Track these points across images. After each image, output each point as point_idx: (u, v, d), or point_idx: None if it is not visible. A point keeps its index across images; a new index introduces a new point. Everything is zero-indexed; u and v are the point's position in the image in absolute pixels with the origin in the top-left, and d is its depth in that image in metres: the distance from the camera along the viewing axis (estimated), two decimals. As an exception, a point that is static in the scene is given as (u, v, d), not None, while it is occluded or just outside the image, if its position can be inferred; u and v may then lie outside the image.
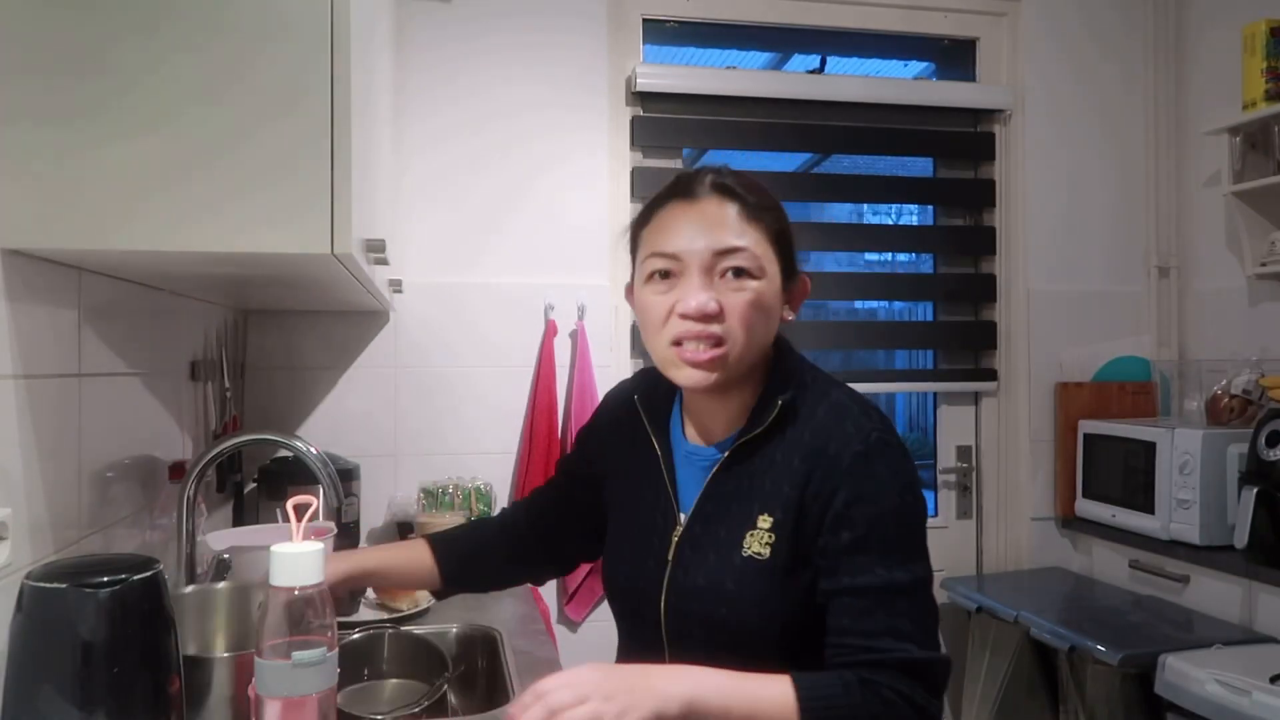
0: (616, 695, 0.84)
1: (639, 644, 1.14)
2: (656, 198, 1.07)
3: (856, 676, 0.91)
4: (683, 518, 1.09)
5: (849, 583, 0.95)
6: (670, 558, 1.08)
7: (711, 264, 0.99)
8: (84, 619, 0.84)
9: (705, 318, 0.99)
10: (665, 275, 1.02)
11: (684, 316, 0.99)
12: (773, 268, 1.02)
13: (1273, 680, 1.74)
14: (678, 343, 1.01)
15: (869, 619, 0.94)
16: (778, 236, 1.04)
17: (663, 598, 1.07)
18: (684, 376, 1.03)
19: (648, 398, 1.16)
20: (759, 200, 1.03)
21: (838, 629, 0.96)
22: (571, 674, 0.86)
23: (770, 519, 1.01)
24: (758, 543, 1.01)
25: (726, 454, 1.06)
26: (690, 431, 1.14)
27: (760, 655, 0.98)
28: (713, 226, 1.00)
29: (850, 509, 0.97)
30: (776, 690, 0.90)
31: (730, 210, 1.01)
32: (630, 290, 1.11)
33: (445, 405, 2.39)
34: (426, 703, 1.26)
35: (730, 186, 1.03)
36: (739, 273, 1.00)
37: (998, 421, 2.82)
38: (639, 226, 1.07)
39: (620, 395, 1.25)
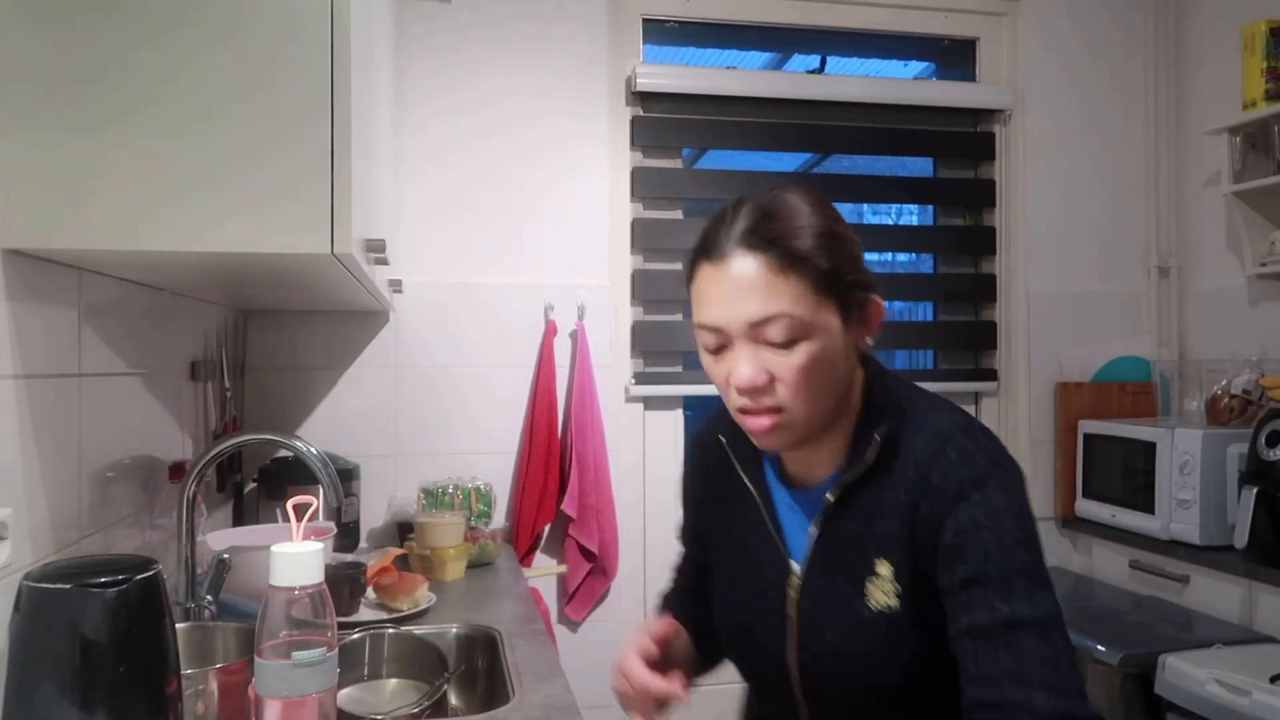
0: None
1: (773, 700, 1.06)
2: (693, 254, 0.96)
3: None
4: (795, 567, 1.00)
5: (967, 622, 0.86)
6: (792, 615, 0.99)
7: (753, 334, 0.90)
8: (83, 619, 0.84)
9: (755, 390, 0.92)
10: (716, 348, 0.94)
11: (738, 390, 0.93)
12: (824, 316, 0.91)
13: (1273, 680, 1.74)
14: (742, 411, 0.95)
15: (991, 661, 0.83)
16: (826, 277, 0.90)
17: (793, 658, 1.00)
18: (756, 443, 0.98)
19: (735, 437, 1.06)
20: (794, 245, 0.90)
21: (964, 677, 0.86)
22: None
23: (890, 565, 0.93)
24: (882, 593, 0.93)
25: (832, 498, 0.97)
26: (788, 470, 1.05)
27: (906, 708, 0.93)
28: (742, 294, 0.90)
29: (961, 538, 0.88)
30: None
31: (759, 269, 0.89)
32: None
33: (445, 405, 2.39)
34: (426, 703, 1.26)
35: (758, 236, 0.90)
36: (786, 342, 0.90)
37: (998, 421, 2.82)
38: (686, 281, 0.99)
39: (704, 437, 1.16)
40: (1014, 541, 0.87)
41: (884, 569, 0.93)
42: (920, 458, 0.93)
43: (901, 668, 0.92)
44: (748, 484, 1.06)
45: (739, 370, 0.91)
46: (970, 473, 0.90)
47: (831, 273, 0.91)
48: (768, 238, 0.90)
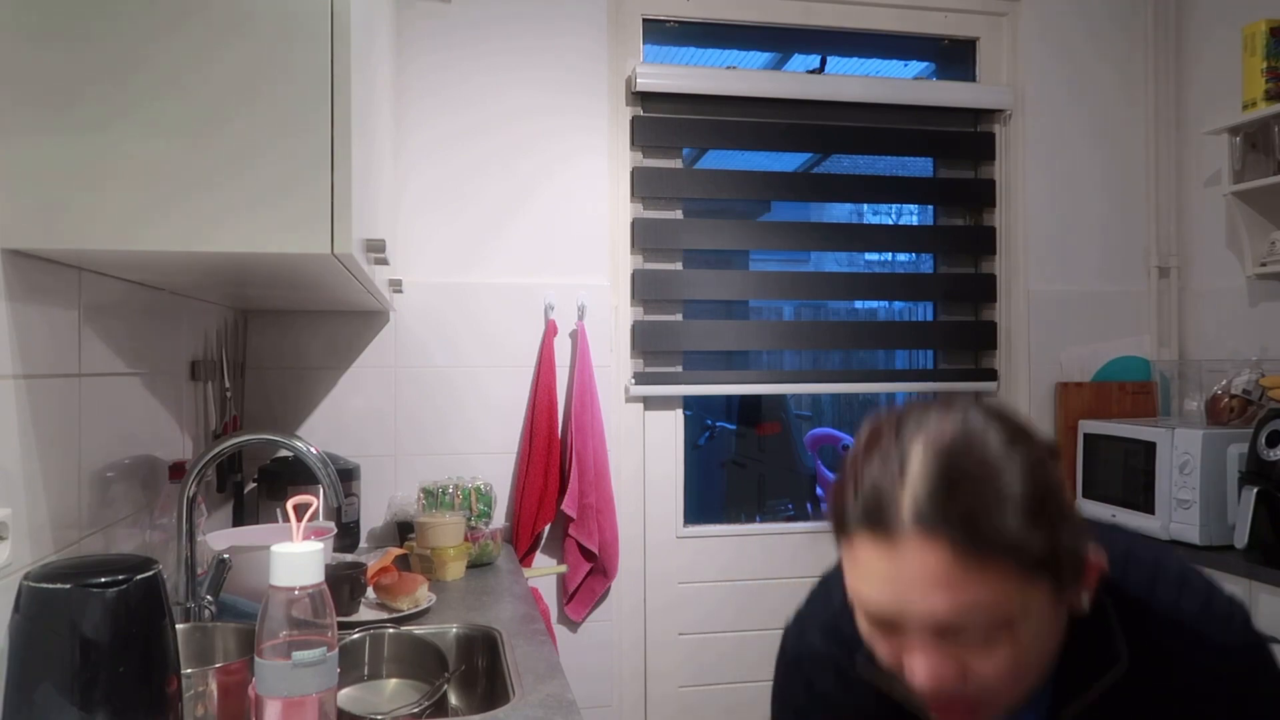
0: None
1: None
2: (848, 514, 0.74)
3: None
4: None
5: None
6: None
7: (939, 632, 0.71)
8: (83, 619, 0.84)
9: (943, 691, 0.72)
10: (883, 626, 0.75)
11: (918, 690, 0.73)
12: (1033, 600, 0.70)
13: (1273, 680, 1.74)
14: (924, 701, 0.76)
15: None
16: (1036, 561, 0.69)
17: None
18: None
19: (886, 673, 0.79)
20: (995, 526, 0.68)
21: None
22: None
23: None
24: None
25: None
26: None
27: None
28: (924, 588, 0.69)
29: None
30: None
31: (947, 561, 0.68)
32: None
33: (445, 405, 2.39)
34: (426, 703, 1.26)
35: (944, 513, 0.68)
36: (983, 639, 0.70)
37: (998, 421, 2.81)
38: (836, 528, 0.77)
39: (827, 665, 0.89)
40: None
41: None
42: (1162, 663, 0.78)
43: None
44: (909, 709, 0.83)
45: (919, 670, 0.71)
46: (1238, 666, 0.78)
47: (1050, 555, 0.70)
48: (958, 515, 0.68)
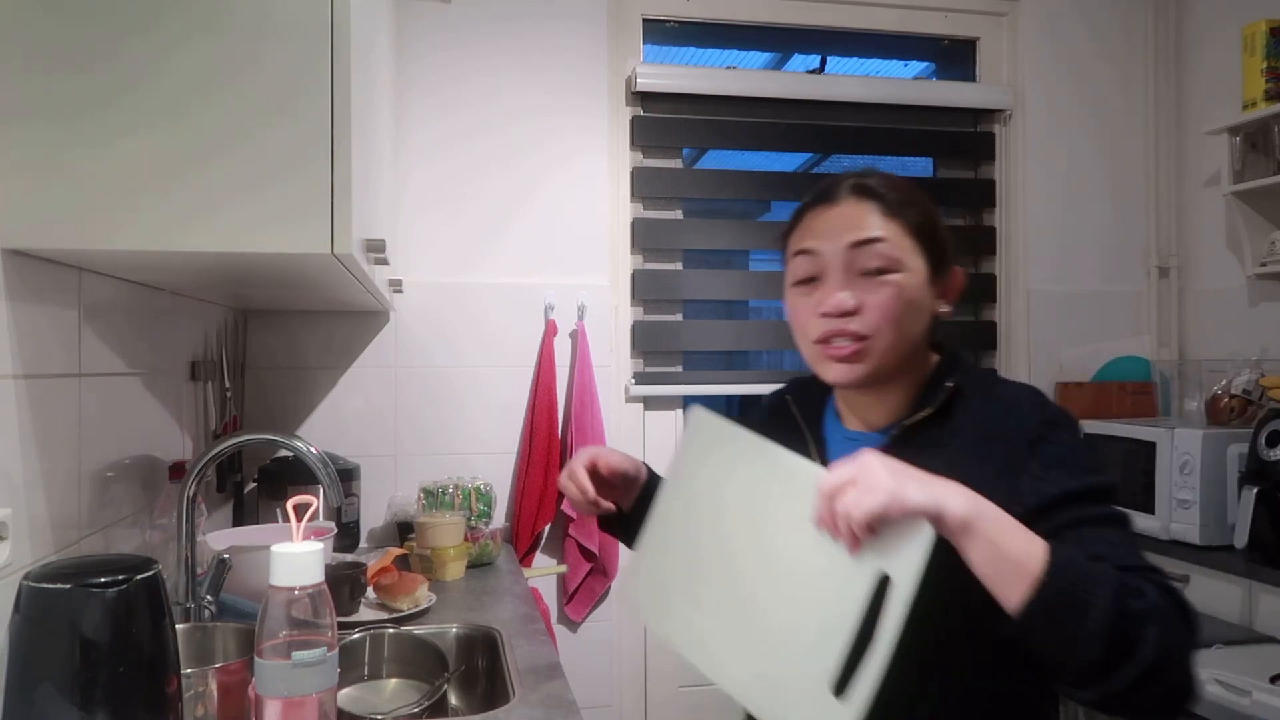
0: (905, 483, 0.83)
1: None
2: (802, 205, 1.09)
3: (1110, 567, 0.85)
4: None
5: (1065, 520, 0.91)
6: None
7: (849, 261, 1.00)
8: (83, 619, 0.84)
9: (844, 314, 1.00)
10: (808, 281, 1.04)
11: (825, 315, 1.01)
12: (915, 261, 1.02)
13: (1273, 680, 1.74)
14: (823, 340, 1.02)
15: (1104, 545, 0.89)
16: (920, 230, 1.03)
17: None
18: (830, 373, 1.04)
19: (801, 393, 1.17)
20: (899, 197, 1.03)
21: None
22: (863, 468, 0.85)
23: None
24: None
25: (890, 438, 1.03)
26: (849, 422, 1.12)
27: (947, 628, 0.93)
28: (849, 224, 1.01)
29: (1046, 473, 0.94)
30: (1035, 544, 0.85)
31: (867, 208, 1.02)
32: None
33: (445, 405, 2.39)
34: (426, 703, 1.26)
35: (869, 187, 1.04)
36: (878, 271, 1.00)
37: (998, 421, 2.81)
38: (786, 233, 1.10)
39: (772, 400, 1.26)
40: (1097, 476, 0.95)
41: None
42: (993, 409, 1.00)
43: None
44: (804, 431, 1.12)
45: (831, 295, 1.00)
46: (1047, 417, 0.98)
47: (925, 226, 1.03)
48: (877, 189, 1.04)
